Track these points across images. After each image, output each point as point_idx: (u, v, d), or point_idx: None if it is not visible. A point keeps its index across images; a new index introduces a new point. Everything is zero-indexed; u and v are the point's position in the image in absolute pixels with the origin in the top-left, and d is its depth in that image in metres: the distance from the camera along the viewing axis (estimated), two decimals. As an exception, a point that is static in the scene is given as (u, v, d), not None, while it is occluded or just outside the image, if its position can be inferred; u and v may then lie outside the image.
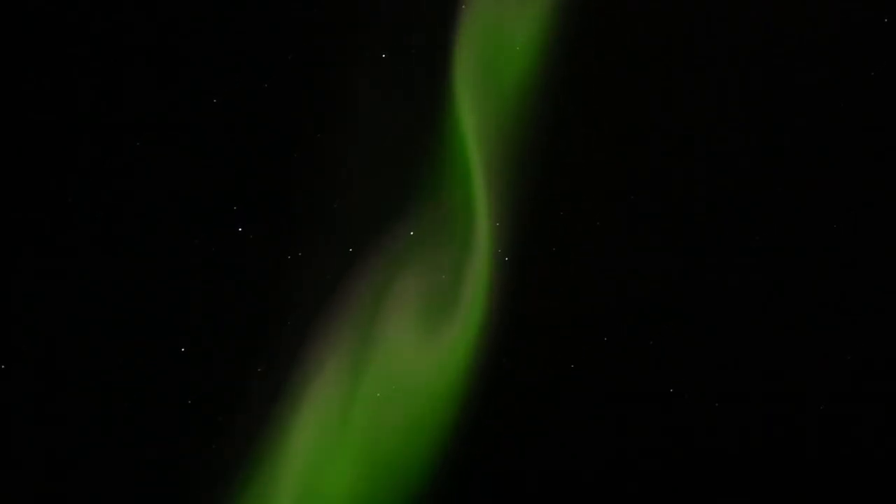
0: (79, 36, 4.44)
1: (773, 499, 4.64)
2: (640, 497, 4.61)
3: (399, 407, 4.45)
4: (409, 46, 4.54)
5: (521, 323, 4.54)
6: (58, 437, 4.35)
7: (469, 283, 4.50)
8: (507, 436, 4.56)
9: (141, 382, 4.39)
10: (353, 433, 4.41)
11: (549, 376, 4.60)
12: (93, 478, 4.35)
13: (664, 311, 4.65)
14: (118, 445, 4.36)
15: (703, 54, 4.72)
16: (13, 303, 4.37)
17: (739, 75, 4.73)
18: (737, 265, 4.69)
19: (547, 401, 4.59)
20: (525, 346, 4.56)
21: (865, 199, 4.74)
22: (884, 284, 4.72)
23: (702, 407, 4.65)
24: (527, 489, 4.58)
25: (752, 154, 4.72)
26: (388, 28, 4.55)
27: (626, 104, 4.67)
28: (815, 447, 4.67)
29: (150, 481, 4.36)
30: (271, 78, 4.51)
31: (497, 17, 4.57)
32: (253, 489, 4.34)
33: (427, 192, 4.52)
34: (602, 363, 4.61)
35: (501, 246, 4.51)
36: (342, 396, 4.41)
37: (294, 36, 4.54)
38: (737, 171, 4.71)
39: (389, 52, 4.53)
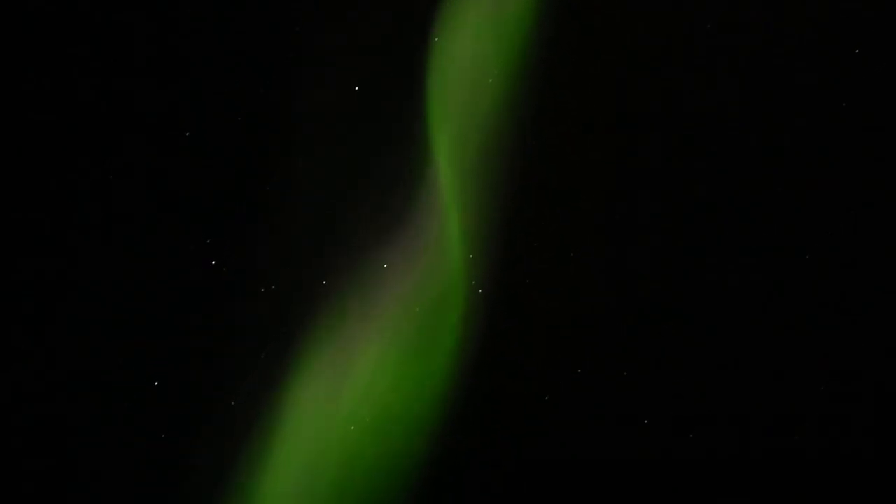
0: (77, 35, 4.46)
1: (771, 499, 4.65)
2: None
3: (375, 437, 4.44)
4: (382, 77, 4.53)
5: (497, 351, 4.55)
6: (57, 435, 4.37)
7: (444, 313, 4.49)
8: (485, 461, 4.57)
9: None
10: (329, 468, 4.40)
11: (526, 404, 4.61)
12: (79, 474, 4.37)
13: (643, 341, 4.65)
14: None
15: (681, 72, 4.73)
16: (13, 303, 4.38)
17: (727, 88, 4.73)
18: (727, 277, 4.71)
19: (524, 429, 4.60)
20: (502, 374, 4.58)
21: (865, 199, 4.75)
22: (884, 284, 4.72)
23: (695, 415, 4.66)
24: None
25: (742, 164, 4.74)
26: (359, 59, 4.54)
27: (599, 135, 4.67)
28: (814, 447, 4.67)
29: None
30: (241, 111, 4.50)
31: (471, 48, 4.57)
32: None
33: (400, 222, 4.51)
34: (580, 391, 4.62)
35: (476, 276, 4.51)
36: (317, 430, 4.40)
37: (261, 67, 4.54)
38: (722, 185, 4.72)
39: (360, 84, 4.52)
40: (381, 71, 4.54)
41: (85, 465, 4.37)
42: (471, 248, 4.53)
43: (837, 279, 4.72)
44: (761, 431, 4.67)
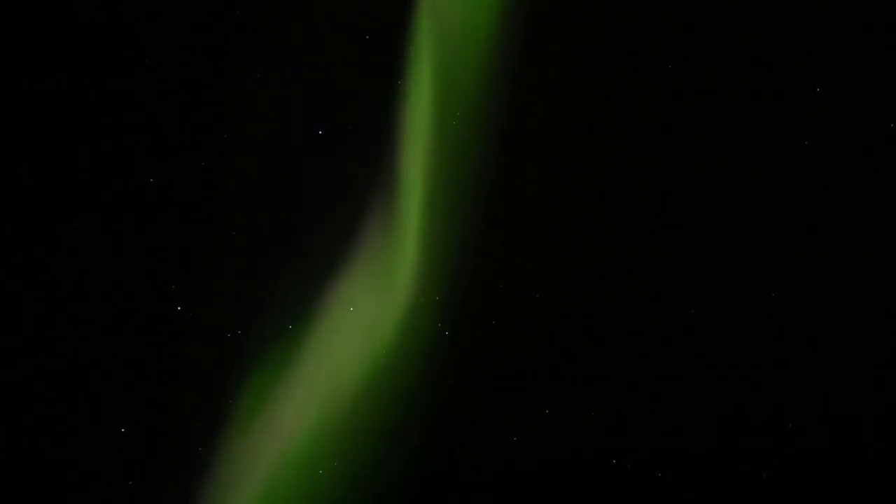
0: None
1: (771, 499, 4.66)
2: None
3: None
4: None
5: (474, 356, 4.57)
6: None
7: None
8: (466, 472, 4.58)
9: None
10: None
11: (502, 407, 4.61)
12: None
13: (630, 344, 4.65)
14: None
15: (671, 71, 4.73)
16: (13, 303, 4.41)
17: (718, 87, 4.73)
18: (723, 285, 4.70)
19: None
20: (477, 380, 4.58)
21: (865, 199, 4.74)
22: (884, 285, 4.72)
23: (691, 417, 4.66)
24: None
25: (735, 166, 4.73)
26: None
27: (580, 137, 4.67)
28: (814, 447, 4.67)
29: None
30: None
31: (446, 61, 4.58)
32: None
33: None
34: (559, 395, 4.63)
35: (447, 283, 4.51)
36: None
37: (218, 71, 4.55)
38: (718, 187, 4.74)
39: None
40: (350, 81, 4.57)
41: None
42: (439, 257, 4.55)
43: (838, 279, 4.71)
44: (761, 432, 4.67)
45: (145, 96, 4.54)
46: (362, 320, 4.48)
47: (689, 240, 4.68)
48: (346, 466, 4.46)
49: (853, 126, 4.73)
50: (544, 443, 4.57)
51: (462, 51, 4.56)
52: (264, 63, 4.56)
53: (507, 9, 4.58)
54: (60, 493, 4.39)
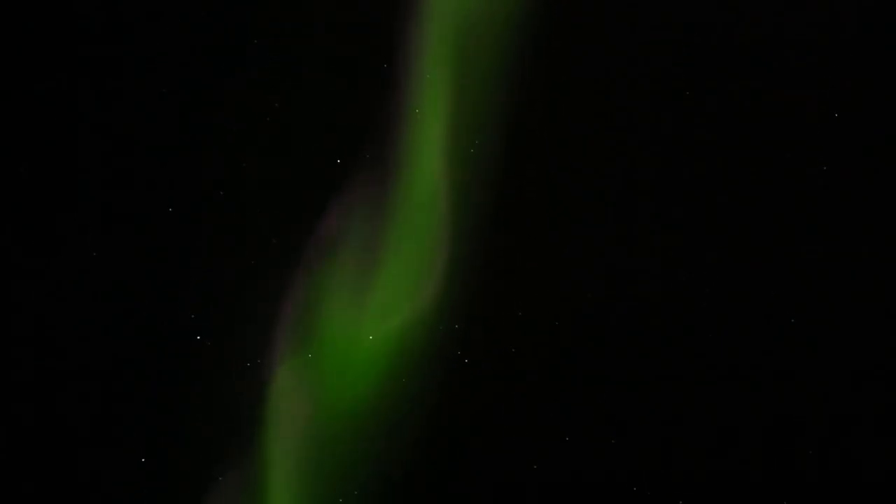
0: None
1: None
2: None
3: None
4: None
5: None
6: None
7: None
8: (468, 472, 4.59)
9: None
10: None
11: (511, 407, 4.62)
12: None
13: (636, 345, 4.65)
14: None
15: (681, 72, 4.73)
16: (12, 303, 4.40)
17: (727, 87, 4.73)
18: (729, 288, 4.70)
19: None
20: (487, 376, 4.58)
21: (865, 199, 4.74)
22: (883, 285, 4.72)
23: (694, 419, 4.66)
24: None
25: (739, 166, 4.73)
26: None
27: (590, 135, 4.68)
28: (814, 448, 4.67)
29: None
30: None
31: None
32: None
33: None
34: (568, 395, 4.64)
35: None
36: None
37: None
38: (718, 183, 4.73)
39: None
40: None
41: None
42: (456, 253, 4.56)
43: (837, 279, 4.71)
44: (760, 433, 4.68)
45: (145, 96, 4.54)
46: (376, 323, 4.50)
47: (698, 240, 4.68)
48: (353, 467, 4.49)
49: (853, 126, 4.73)
50: (552, 443, 4.58)
51: (476, 53, 4.57)
52: (269, 64, 4.57)
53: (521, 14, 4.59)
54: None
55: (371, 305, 4.49)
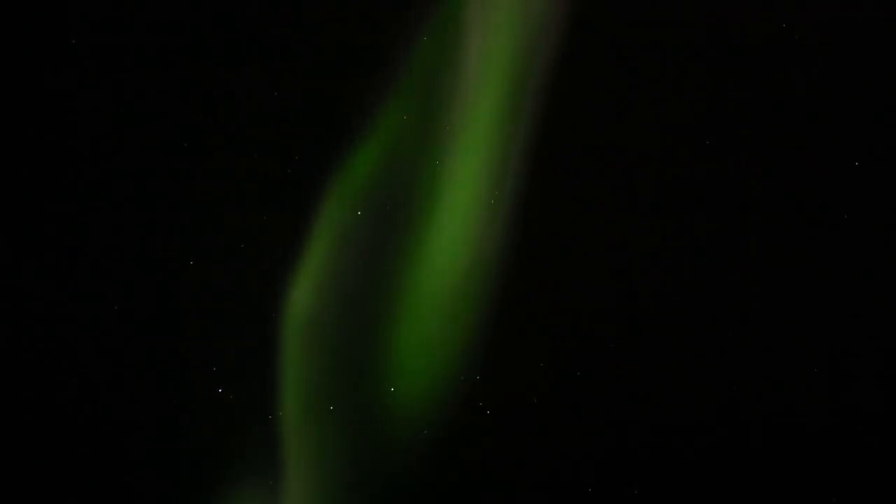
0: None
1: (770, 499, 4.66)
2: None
3: None
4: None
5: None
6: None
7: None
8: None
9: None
10: None
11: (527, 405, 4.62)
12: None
13: (647, 344, 4.66)
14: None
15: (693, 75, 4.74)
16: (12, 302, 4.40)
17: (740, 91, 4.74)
18: (739, 284, 4.71)
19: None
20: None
21: (865, 199, 4.75)
22: (883, 285, 4.72)
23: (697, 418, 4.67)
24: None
25: (747, 168, 4.74)
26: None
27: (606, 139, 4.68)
28: (813, 448, 4.67)
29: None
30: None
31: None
32: None
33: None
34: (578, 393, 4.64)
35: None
36: None
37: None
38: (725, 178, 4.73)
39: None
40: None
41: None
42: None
43: (838, 279, 4.72)
44: (760, 433, 4.68)
45: (143, 96, 4.54)
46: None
47: (718, 241, 4.70)
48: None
49: (853, 126, 4.73)
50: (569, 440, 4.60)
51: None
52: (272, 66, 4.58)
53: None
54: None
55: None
